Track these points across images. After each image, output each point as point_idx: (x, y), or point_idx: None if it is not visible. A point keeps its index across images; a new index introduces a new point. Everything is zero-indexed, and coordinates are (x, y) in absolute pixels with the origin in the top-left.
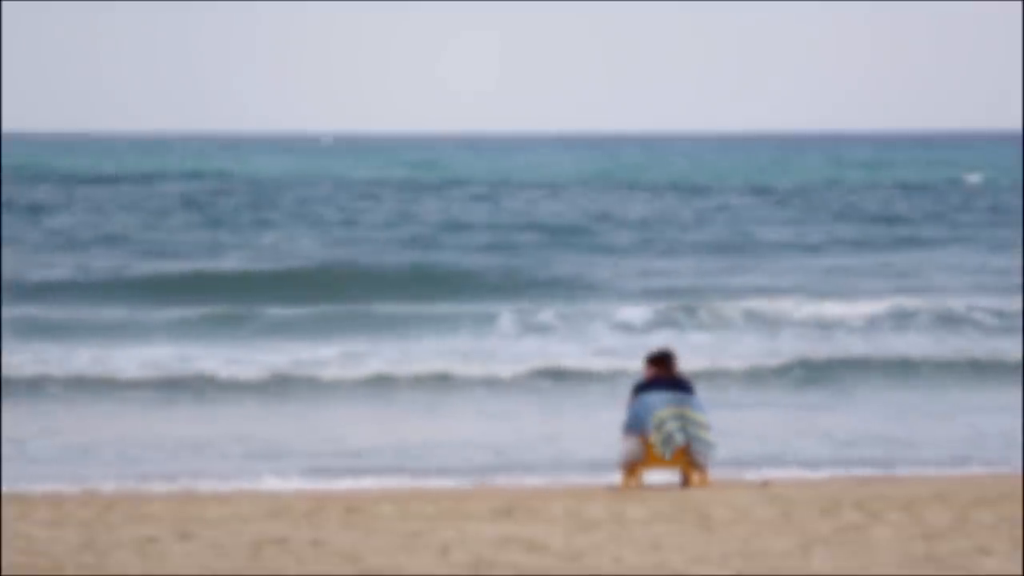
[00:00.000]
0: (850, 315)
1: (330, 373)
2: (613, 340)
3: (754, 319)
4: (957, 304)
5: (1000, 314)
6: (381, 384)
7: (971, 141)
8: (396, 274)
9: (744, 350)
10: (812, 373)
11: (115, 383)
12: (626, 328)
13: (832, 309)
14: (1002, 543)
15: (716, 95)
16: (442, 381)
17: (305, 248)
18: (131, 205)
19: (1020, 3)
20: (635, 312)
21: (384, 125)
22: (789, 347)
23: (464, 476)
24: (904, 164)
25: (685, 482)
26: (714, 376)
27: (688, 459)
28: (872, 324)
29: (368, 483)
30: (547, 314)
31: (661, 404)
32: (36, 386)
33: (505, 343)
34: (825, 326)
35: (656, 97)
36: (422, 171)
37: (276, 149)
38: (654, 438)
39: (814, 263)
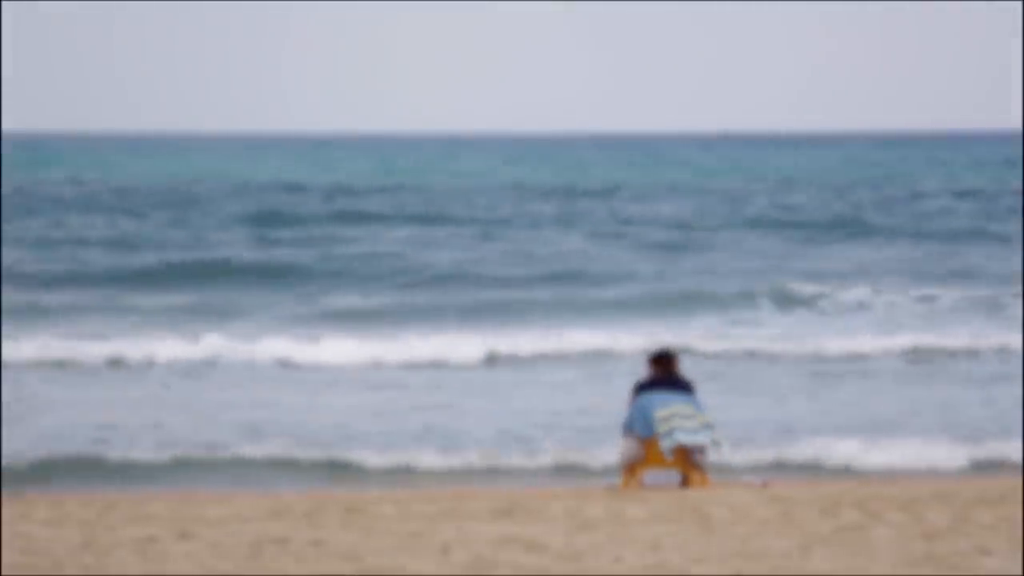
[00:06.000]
0: None
1: None
2: None
3: None
4: None
5: None
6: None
7: (966, 141)
8: None
9: None
10: None
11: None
12: None
13: None
14: (1002, 543)
15: (709, 95)
16: None
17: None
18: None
19: (1020, 2)
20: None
21: (378, 125)
22: None
23: None
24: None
25: (685, 482)
26: None
27: (688, 459)
28: None
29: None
30: None
31: (661, 404)
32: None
33: None
34: None
35: (644, 97)
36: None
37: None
38: (660, 432)
39: None
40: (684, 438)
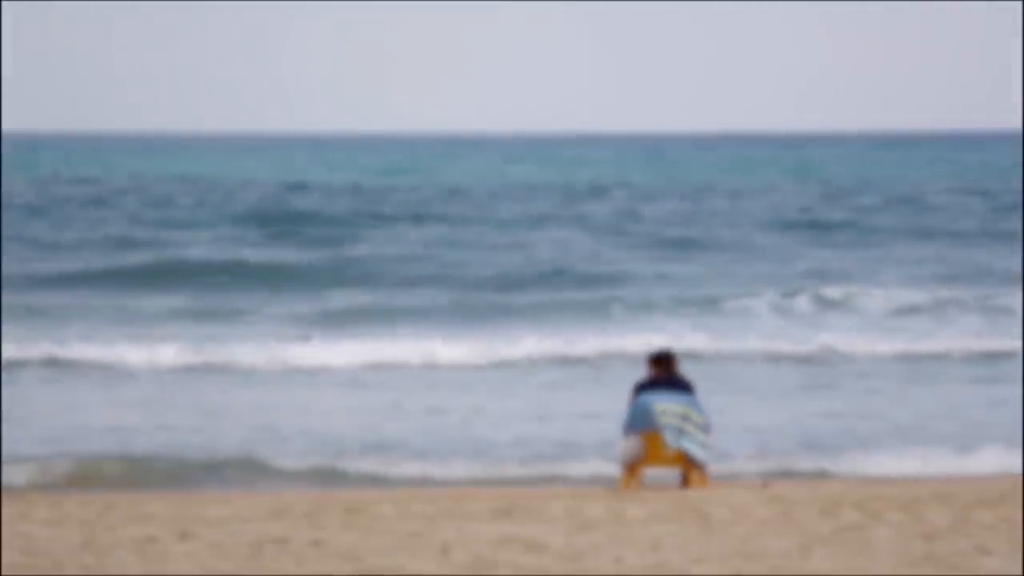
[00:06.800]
0: None
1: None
2: None
3: None
4: None
5: None
6: None
7: (967, 141)
8: None
9: None
10: None
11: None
12: None
13: None
14: (1002, 543)
15: (709, 95)
16: None
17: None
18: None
19: (1020, 2)
20: None
21: (377, 125)
22: None
23: None
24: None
25: (685, 482)
26: None
27: (687, 459)
28: None
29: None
30: None
31: (661, 404)
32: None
33: None
34: None
35: (644, 97)
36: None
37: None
38: (663, 424)
39: None
40: (686, 437)
